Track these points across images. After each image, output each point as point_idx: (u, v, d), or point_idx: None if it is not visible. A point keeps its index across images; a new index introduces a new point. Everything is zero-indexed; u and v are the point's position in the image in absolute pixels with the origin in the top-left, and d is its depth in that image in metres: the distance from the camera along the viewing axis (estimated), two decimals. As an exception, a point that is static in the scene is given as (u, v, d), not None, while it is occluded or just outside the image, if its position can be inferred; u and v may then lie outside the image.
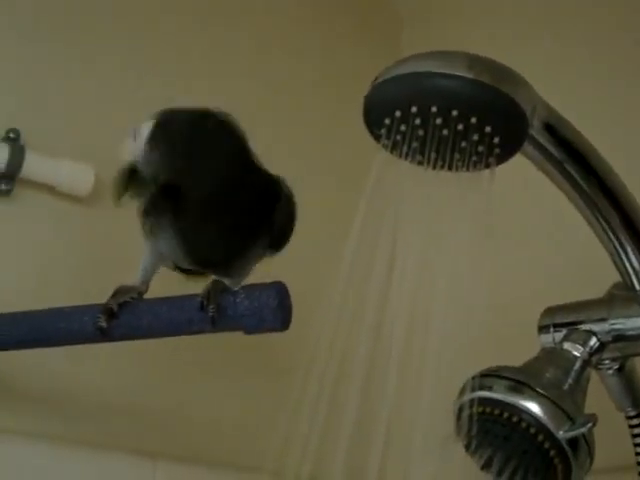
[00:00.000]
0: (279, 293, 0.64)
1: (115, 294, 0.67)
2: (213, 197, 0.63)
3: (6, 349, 0.71)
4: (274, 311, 0.64)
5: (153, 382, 0.88)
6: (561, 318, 0.66)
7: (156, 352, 0.82)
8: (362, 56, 1.12)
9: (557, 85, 0.76)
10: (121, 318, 0.66)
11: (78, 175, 0.87)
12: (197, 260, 0.66)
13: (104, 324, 0.65)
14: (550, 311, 0.67)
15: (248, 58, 1.04)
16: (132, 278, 0.86)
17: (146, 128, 0.63)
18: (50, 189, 0.87)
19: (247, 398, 0.92)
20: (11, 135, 0.85)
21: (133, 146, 0.64)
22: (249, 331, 0.65)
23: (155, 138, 0.63)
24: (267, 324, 0.64)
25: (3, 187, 0.84)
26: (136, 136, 0.63)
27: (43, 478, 0.80)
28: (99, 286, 0.85)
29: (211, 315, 0.62)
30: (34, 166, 0.85)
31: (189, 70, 0.99)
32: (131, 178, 0.66)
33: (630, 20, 0.92)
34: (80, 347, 0.72)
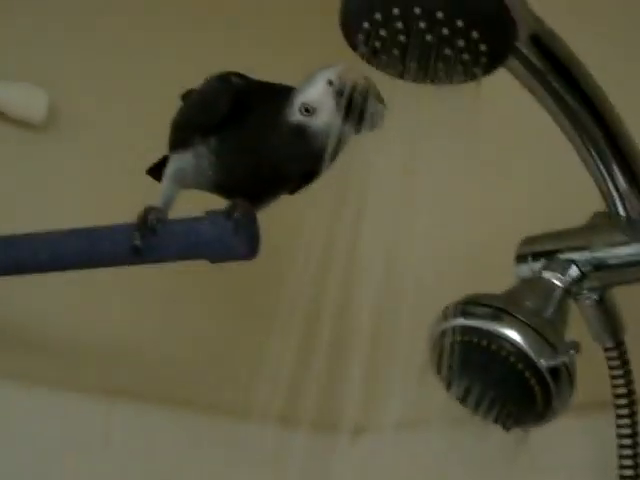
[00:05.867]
0: (247, 219, 0.60)
1: (147, 212, 0.61)
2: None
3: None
4: (241, 238, 0.60)
5: (118, 318, 0.85)
6: (540, 247, 0.63)
7: (120, 285, 0.79)
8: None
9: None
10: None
11: (30, 100, 0.83)
12: (226, 187, 0.62)
13: (139, 242, 0.60)
14: (529, 240, 0.64)
15: None
16: (89, 210, 0.83)
17: None
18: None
19: (212, 335, 0.89)
20: (-43, 56, 0.81)
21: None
22: (214, 260, 0.62)
23: None
24: (234, 252, 0.60)
25: (-53, 111, 0.80)
26: None
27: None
28: (58, 215, 0.82)
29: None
30: (-18, 90, 0.81)
31: None
32: None
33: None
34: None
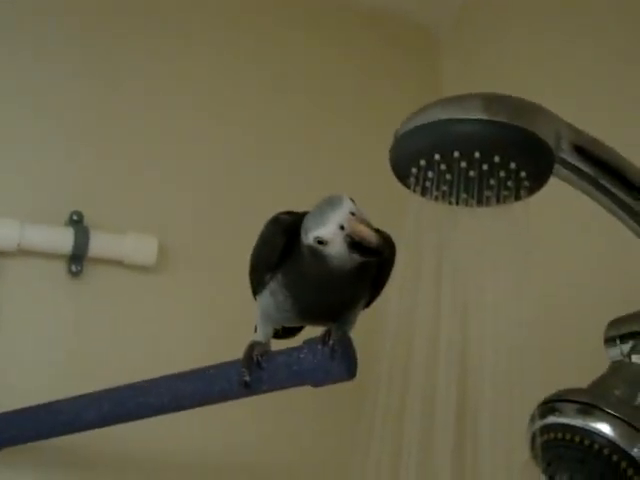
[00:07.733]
0: (342, 344, 0.65)
1: (252, 348, 0.68)
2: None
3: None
4: (339, 363, 0.65)
5: (221, 433, 0.91)
6: (627, 328, 0.65)
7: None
8: (403, 82, 1.13)
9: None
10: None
11: (142, 246, 0.91)
12: (306, 315, 0.68)
13: (248, 378, 0.66)
14: (615, 322, 0.66)
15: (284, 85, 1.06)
16: (200, 339, 0.89)
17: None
18: (117, 263, 0.90)
19: (321, 441, 0.94)
20: (75, 218, 0.89)
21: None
22: (317, 385, 0.66)
23: None
24: (333, 376, 0.65)
25: (73, 269, 0.88)
26: None
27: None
28: (176, 351, 0.89)
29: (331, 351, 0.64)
30: (100, 244, 0.89)
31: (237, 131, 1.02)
32: None
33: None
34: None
